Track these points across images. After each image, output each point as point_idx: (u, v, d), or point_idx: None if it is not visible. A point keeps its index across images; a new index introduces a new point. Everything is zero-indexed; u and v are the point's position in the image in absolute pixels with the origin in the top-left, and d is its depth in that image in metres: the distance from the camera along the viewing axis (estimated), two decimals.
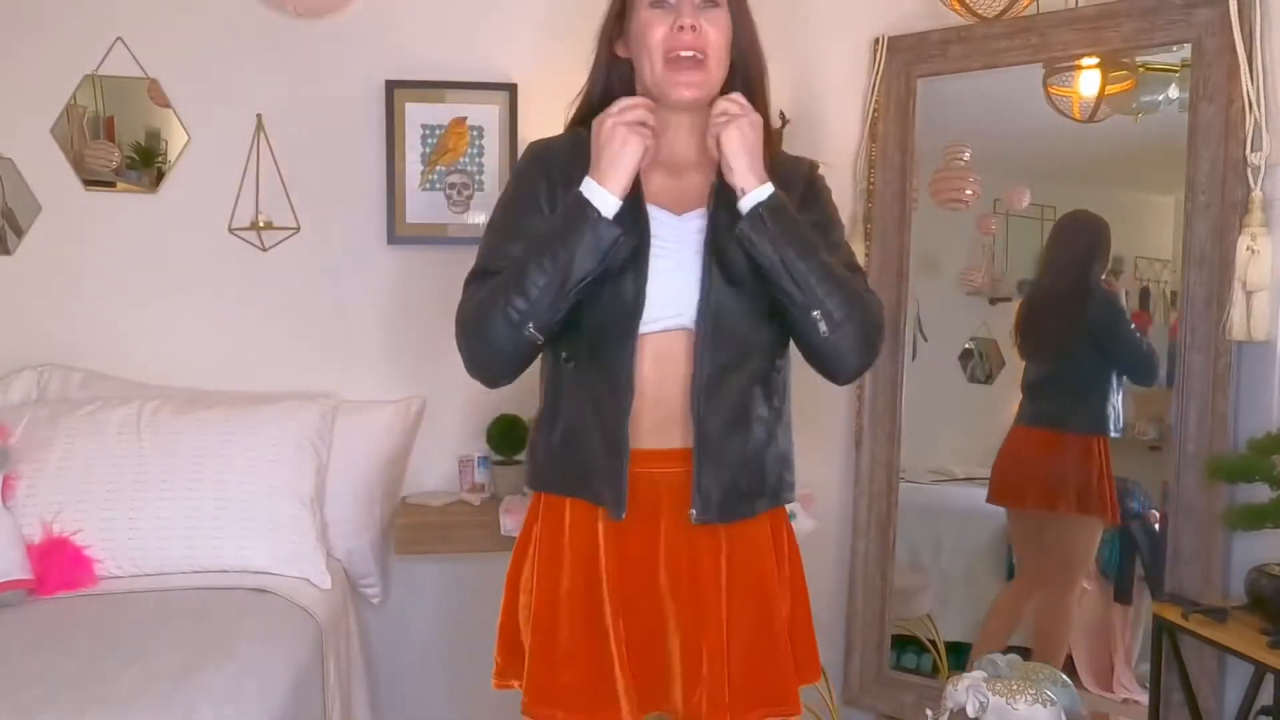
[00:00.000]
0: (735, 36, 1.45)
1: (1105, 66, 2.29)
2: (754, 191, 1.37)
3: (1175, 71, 2.20)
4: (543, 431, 1.50)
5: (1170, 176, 2.14)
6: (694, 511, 1.42)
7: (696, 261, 1.41)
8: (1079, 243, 2.48)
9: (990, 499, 2.53)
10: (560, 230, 1.36)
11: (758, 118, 1.39)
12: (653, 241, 1.40)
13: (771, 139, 1.50)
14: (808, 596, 1.56)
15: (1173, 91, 2.23)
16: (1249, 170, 2.01)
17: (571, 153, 1.45)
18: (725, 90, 1.45)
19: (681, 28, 1.37)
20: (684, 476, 1.43)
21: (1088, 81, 2.32)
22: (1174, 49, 2.16)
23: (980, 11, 2.23)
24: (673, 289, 1.40)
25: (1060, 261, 2.50)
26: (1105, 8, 2.19)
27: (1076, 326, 2.47)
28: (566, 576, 1.44)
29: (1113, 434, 2.41)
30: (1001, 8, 2.19)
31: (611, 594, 1.42)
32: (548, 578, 1.45)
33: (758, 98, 1.49)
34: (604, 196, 1.35)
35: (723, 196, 1.42)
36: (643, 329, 1.40)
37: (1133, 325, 2.44)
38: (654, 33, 1.39)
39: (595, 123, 1.37)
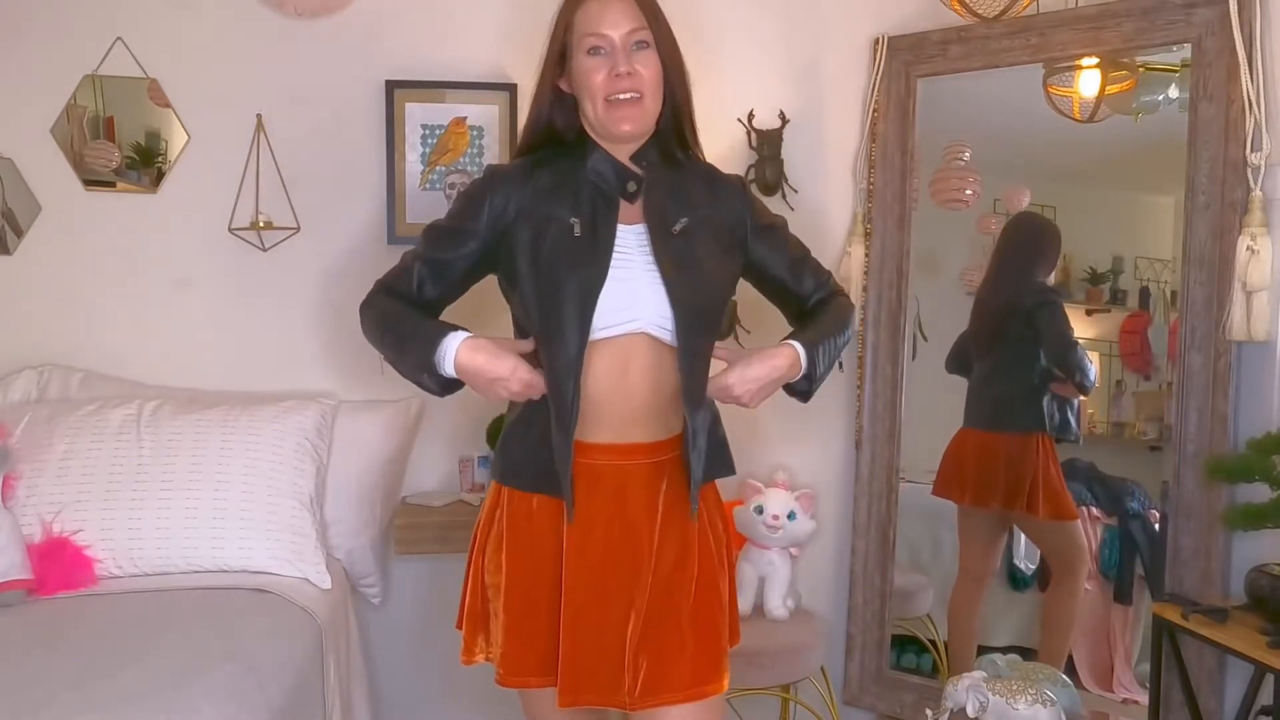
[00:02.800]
0: (665, 71, 1.59)
1: (1105, 66, 2.29)
2: (800, 373, 1.60)
3: (1175, 71, 2.20)
4: (518, 430, 1.60)
5: (1170, 176, 2.15)
6: (694, 504, 1.58)
7: (646, 271, 1.54)
8: (1023, 246, 2.50)
9: (933, 491, 2.57)
10: (408, 350, 1.57)
11: (747, 383, 1.57)
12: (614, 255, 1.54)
13: (700, 151, 1.69)
14: (734, 563, 1.74)
15: (1173, 91, 2.23)
16: (1249, 170, 2.01)
17: (524, 177, 1.60)
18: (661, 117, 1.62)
19: (619, 74, 1.54)
20: (650, 467, 1.57)
21: (1088, 81, 2.32)
22: (1174, 49, 2.16)
23: (980, 11, 2.23)
24: (624, 295, 1.53)
25: (1004, 264, 2.51)
26: (1105, 8, 2.19)
27: (1013, 328, 2.47)
28: (535, 560, 1.56)
29: (1070, 435, 2.42)
30: (1001, 8, 2.19)
31: (569, 579, 1.54)
32: (518, 562, 1.57)
33: (685, 121, 1.66)
34: (448, 367, 1.52)
35: (652, 207, 1.58)
36: (597, 334, 1.51)
37: (1066, 321, 2.45)
38: (594, 79, 1.55)
39: (513, 375, 1.51)
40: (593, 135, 1.62)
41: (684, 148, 1.68)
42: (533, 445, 1.56)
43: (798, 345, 1.60)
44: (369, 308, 1.65)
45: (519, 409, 1.60)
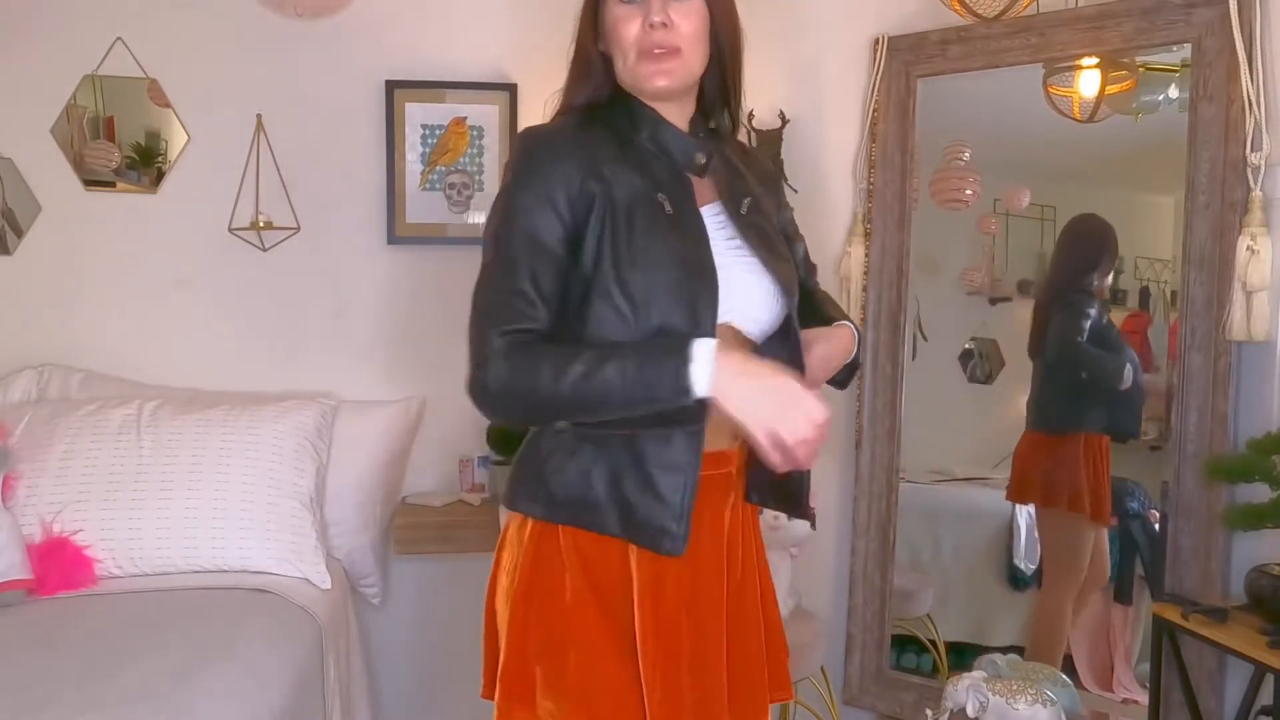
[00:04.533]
0: (715, 23, 1.37)
1: (1105, 66, 2.29)
2: (850, 357, 1.46)
3: (1175, 71, 2.20)
4: (559, 458, 1.30)
5: (1170, 176, 2.14)
6: (765, 510, 1.46)
7: (735, 257, 1.34)
8: (1077, 247, 2.49)
9: (1008, 497, 2.57)
10: (631, 383, 1.20)
11: (825, 368, 1.42)
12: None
13: (740, 119, 1.49)
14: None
15: (1173, 91, 2.23)
16: (1249, 170, 2.01)
17: (582, 138, 1.33)
18: (703, 79, 1.40)
19: (653, 25, 1.31)
20: (721, 479, 1.35)
21: (1088, 81, 2.32)
22: (1174, 49, 2.16)
23: (980, 11, 2.22)
24: (722, 285, 1.31)
25: (1058, 265, 2.51)
26: (1105, 8, 2.19)
27: (1048, 329, 2.48)
28: (613, 603, 1.30)
29: (1125, 432, 2.41)
30: (1001, 8, 2.19)
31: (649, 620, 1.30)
32: (592, 608, 1.29)
33: (732, 87, 1.44)
34: (702, 387, 1.18)
35: (722, 183, 1.39)
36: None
37: (1074, 322, 2.43)
38: (627, 30, 1.32)
39: (807, 412, 1.18)
40: (633, 93, 1.38)
41: (724, 114, 1.46)
42: (609, 478, 1.27)
43: (853, 326, 1.46)
44: (516, 371, 1.23)
45: (560, 430, 1.30)
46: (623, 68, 1.35)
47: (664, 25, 1.30)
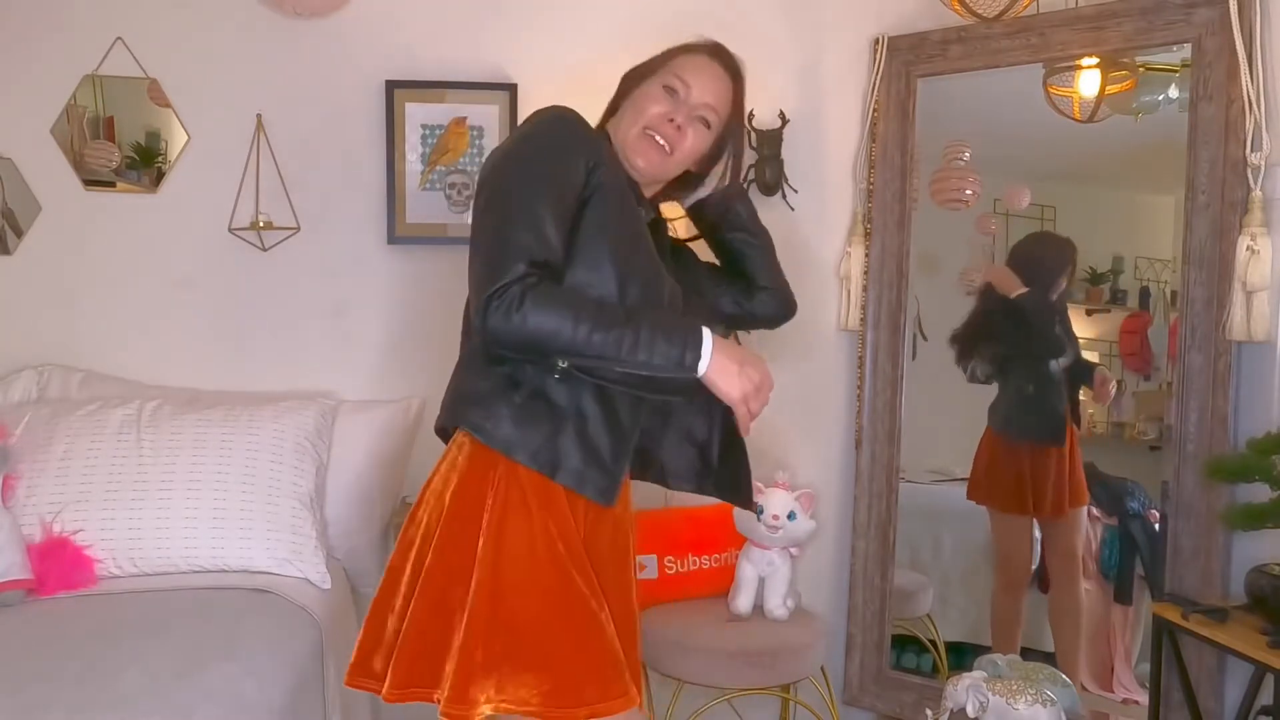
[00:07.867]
0: (706, 160, 1.62)
1: (1105, 66, 2.29)
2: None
3: (1175, 71, 2.20)
4: (574, 423, 1.48)
5: (1170, 176, 2.15)
6: None
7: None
8: (1036, 262, 2.53)
9: None
10: (657, 344, 1.39)
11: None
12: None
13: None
14: None
15: (1173, 91, 2.23)
16: (1249, 170, 2.01)
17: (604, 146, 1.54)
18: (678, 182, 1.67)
19: (672, 120, 1.54)
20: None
21: (1088, 81, 2.32)
22: (1174, 49, 2.16)
23: (980, 11, 2.22)
24: None
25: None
26: (1105, 8, 2.19)
27: None
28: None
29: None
30: (1001, 8, 2.19)
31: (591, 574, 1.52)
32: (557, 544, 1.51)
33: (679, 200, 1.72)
34: (703, 364, 1.41)
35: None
36: None
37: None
38: (651, 107, 1.55)
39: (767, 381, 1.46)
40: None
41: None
42: (601, 434, 1.47)
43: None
44: (550, 300, 1.35)
45: (557, 396, 1.44)
46: (626, 132, 1.56)
47: (679, 129, 1.54)
